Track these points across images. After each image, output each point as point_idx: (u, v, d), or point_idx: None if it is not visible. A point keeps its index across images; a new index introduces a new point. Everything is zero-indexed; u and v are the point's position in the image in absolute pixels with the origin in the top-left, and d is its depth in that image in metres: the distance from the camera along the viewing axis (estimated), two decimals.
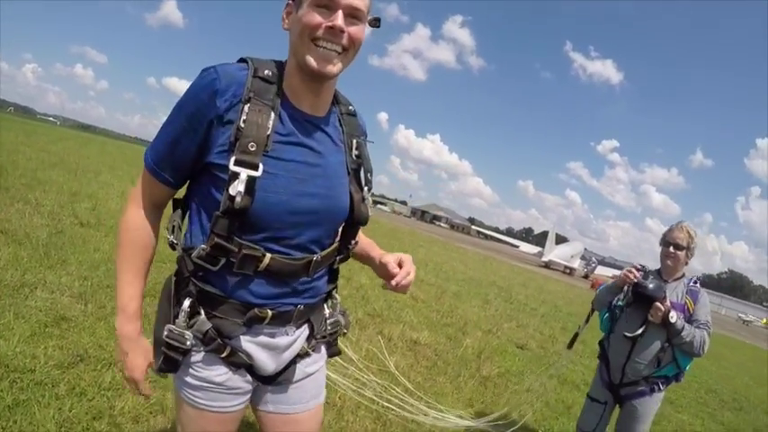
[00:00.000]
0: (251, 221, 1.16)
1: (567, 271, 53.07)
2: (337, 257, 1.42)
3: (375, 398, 3.60)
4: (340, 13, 1.12)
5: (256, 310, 1.23)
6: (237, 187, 1.10)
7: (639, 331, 2.79)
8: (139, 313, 1.28)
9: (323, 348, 1.51)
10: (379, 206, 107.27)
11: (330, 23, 1.12)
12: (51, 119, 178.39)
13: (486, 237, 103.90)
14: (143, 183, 1.27)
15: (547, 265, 50.81)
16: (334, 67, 1.17)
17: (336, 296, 1.52)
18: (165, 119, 1.22)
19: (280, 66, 1.24)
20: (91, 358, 2.99)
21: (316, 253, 1.29)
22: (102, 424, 2.44)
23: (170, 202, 1.33)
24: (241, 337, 1.26)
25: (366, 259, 1.55)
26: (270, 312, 1.24)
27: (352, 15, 1.15)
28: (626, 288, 2.90)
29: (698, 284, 2.88)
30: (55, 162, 12.42)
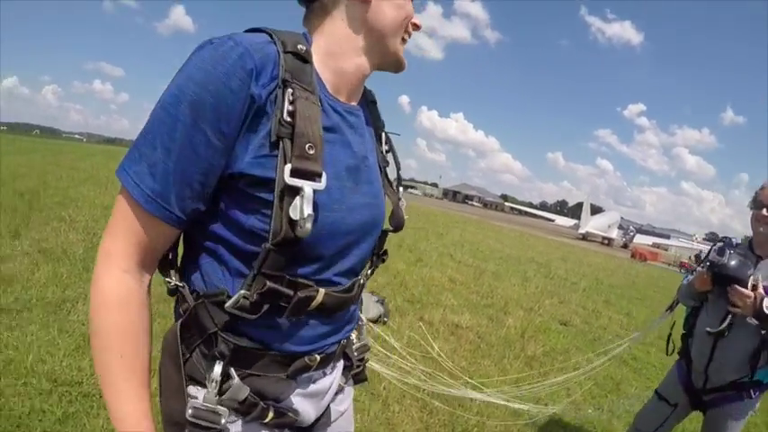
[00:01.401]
0: (304, 251, 0.87)
1: (606, 242, 52.26)
2: (369, 273, 1.14)
3: (420, 385, 3.55)
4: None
5: (306, 358, 0.96)
6: (304, 208, 0.80)
7: (724, 325, 2.20)
8: (153, 426, 0.87)
9: (351, 380, 1.26)
10: (410, 190, 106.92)
11: (418, 22, 1.00)
12: (77, 136, 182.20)
13: (521, 212, 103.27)
14: (129, 230, 0.82)
15: (584, 237, 50.15)
16: None
17: (362, 317, 1.24)
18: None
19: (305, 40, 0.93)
20: None
21: (359, 274, 1.05)
22: None
23: None
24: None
25: None
26: (318, 357, 0.98)
27: None
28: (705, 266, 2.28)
29: None
30: (85, 178, 12.63)
